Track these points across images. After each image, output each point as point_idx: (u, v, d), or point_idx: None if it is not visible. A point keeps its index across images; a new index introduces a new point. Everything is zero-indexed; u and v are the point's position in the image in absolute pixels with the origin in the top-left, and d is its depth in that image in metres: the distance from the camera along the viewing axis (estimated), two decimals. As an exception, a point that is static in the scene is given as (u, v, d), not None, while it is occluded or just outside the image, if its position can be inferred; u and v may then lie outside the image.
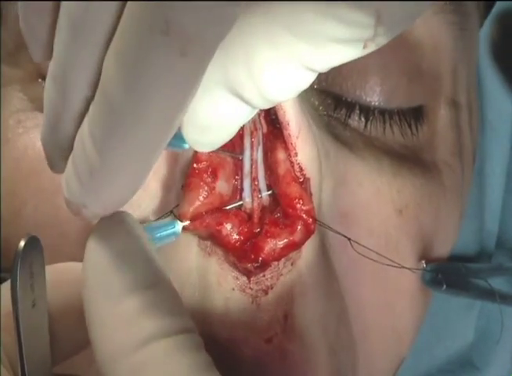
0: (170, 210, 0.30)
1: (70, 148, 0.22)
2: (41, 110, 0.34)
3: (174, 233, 0.28)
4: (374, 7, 0.20)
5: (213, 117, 0.22)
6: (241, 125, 0.24)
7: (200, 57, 0.19)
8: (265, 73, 0.21)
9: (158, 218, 0.30)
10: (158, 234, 0.28)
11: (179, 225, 0.29)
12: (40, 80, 0.34)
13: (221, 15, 0.18)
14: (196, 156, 0.30)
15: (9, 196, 0.33)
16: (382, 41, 0.21)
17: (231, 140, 0.30)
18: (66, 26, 0.20)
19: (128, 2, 0.19)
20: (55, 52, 0.22)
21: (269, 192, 0.31)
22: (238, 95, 0.22)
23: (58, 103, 0.22)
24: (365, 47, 0.21)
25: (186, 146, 0.26)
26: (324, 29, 0.20)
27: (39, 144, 0.33)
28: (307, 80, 0.22)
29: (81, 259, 0.31)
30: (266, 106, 0.23)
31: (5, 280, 0.32)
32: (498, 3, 0.42)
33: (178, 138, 0.24)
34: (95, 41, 0.20)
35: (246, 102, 0.22)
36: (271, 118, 0.31)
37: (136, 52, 0.18)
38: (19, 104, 0.34)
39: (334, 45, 0.20)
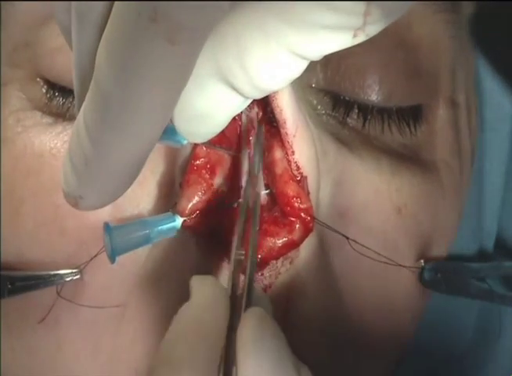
0: (168, 209, 0.30)
1: None
2: (39, 109, 0.34)
3: (174, 228, 0.28)
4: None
5: (205, 106, 0.22)
6: (234, 115, 0.24)
7: (188, 46, 0.18)
8: (255, 61, 0.21)
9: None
10: (158, 228, 0.28)
11: (179, 219, 0.29)
12: (38, 79, 0.34)
13: (209, 4, 0.18)
14: (194, 152, 0.30)
15: (8, 195, 0.33)
16: (372, 31, 0.21)
17: (228, 137, 0.30)
18: (73, 16, 0.21)
19: None
20: (72, 43, 0.22)
21: (267, 191, 0.31)
22: (229, 84, 0.22)
23: (76, 87, 0.23)
24: (355, 36, 0.21)
25: (185, 141, 0.26)
26: (314, 16, 0.20)
27: (38, 143, 0.33)
28: (298, 68, 0.22)
29: (80, 258, 0.32)
30: (258, 96, 0.23)
31: (5, 279, 0.32)
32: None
33: (177, 133, 0.24)
34: (91, 29, 0.20)
35: (238, 91, 0.22)
36: (268, 117, 0.31)
37: (124, 38, 0.18)
38: (19, 103, 0.34)
39: (324, 33, 0.20)
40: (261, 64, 0.21)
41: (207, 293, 0.24)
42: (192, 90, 0.22)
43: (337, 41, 0.21)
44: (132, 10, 0.18)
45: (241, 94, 0.22)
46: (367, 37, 0.21)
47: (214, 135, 0.24)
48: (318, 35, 0.20)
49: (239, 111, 0.23)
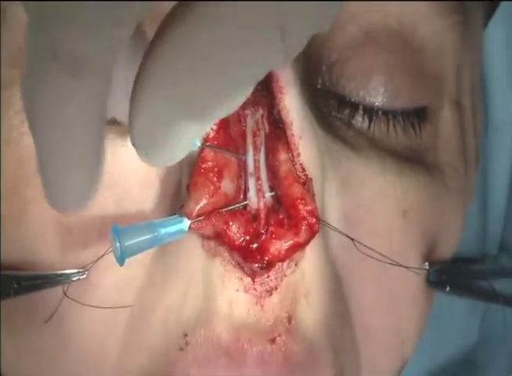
0: (174, 212, 0.30)
1: None
2: None
3: (181, 230, 0.29)
4: (276, 24, 0.19)
5: (161, 138, 0.22)
6: (194, 140, 0.24)
7: (91, 78, 0.19)
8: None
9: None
10: (165, 230, 0.28)
11: (187, 222, 0.29)
12: None
13: (105, 37, 0.18)
14: (202, 155, 0.30)
15: (13, 194, 0.33)
16: (294, 51, 0.21)
17: (234, 140, 0.30)
18: None
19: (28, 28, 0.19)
20: None
21: (272, 193, 0.31)
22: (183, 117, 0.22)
23: None
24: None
25: (197, 146, 0.26)
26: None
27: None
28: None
29: (86, 258, 0.32)
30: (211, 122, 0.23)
31: (11, 278, 0.33)
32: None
33: None
34: None
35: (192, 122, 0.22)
36: (274, 118, 0.31)
37: (31, 78, 0.19)
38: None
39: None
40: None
41: None
42: (142, 118, 0.21)
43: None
44: (33, 50, 0.18)
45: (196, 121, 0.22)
46: (294, 56, 0.21)
47: (176, 161, 0.24)
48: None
49: (200, 136, 0.24)
